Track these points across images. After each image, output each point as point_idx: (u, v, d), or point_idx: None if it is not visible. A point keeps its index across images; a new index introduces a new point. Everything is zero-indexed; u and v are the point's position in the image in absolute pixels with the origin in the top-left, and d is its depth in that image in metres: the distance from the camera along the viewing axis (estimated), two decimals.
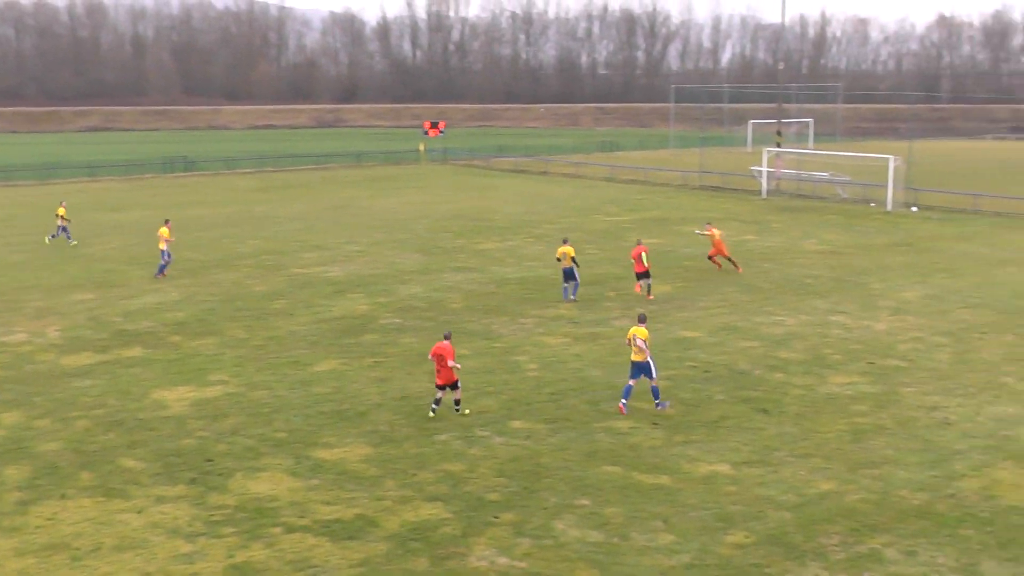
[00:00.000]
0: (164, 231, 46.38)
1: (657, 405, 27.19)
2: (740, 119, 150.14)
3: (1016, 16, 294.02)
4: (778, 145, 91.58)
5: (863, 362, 31.73)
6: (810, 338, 34.65)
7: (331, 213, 67.52)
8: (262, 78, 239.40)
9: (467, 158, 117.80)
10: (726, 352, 32.59)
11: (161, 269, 46.11)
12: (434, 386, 27.41)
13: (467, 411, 27.09)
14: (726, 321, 36.57)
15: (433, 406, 26.87)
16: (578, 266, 41.43)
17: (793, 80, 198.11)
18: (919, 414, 26.85)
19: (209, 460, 23.71)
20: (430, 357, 26.81)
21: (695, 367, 31.25)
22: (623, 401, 27.10)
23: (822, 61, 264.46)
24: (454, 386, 26.66)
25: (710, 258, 47.06)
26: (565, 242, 41.56)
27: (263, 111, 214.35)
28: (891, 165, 70.42)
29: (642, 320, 27.69)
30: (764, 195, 78.99)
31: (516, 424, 26.12)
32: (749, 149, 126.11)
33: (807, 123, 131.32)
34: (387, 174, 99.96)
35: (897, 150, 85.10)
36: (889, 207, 70.31)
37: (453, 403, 27.12)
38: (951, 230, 60.39)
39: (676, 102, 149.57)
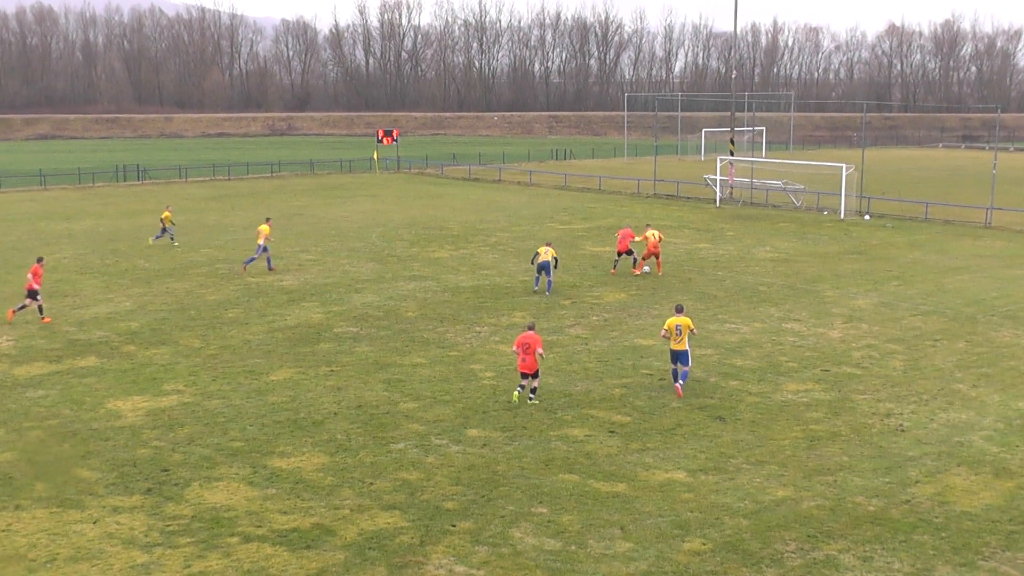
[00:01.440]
0: (265, 228, 49.36)
1: (679, 384, 29.22)
2: (693, 127, 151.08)
3: (966, 25, 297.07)
4: (731, 153, 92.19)
5: (817, 369, 32.04)
6: (764, 346, 34.93)
7: (284, 222, 67.26)
8: (214, 86, 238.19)
9: (420, 166, 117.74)
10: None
11: (250, 261, 49.46)
12: (518, 374, 28.89)
13: (537, 402, 28.44)
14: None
15: (518, 389, 28.57)
16: (556, 266, 44.17)
17: (746, 88, 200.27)
18: (873, 421, 27.11)
19: (165, 470, 23.58)
20: (515, 347, 28.50)
21: (650, 375, 31.43)
22: (678, 384, 29.18)
23: (774, 69, 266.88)
24: (535, 375, 28.24)
25: (643, 258, 48.24)
26: (548, 245, 44.06)
27: (215, 119, 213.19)
28: (844, 173, 71.15)
29: (679, 310, 29.72)
30: (718, 203, 79.54)
31: (472, 432, 26.16)
32: (702, 158, 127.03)
33: (760, 131, 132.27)
34: (340, 182, 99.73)
35: (849, 158, 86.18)
36: (842, 215, 70.99)
37: (530, 391, 28.55)
38: (903, 238, 61.06)
39: (629, 110, 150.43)
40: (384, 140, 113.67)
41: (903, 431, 26.34)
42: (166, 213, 58.18)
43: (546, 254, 43.17)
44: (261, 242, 49.14)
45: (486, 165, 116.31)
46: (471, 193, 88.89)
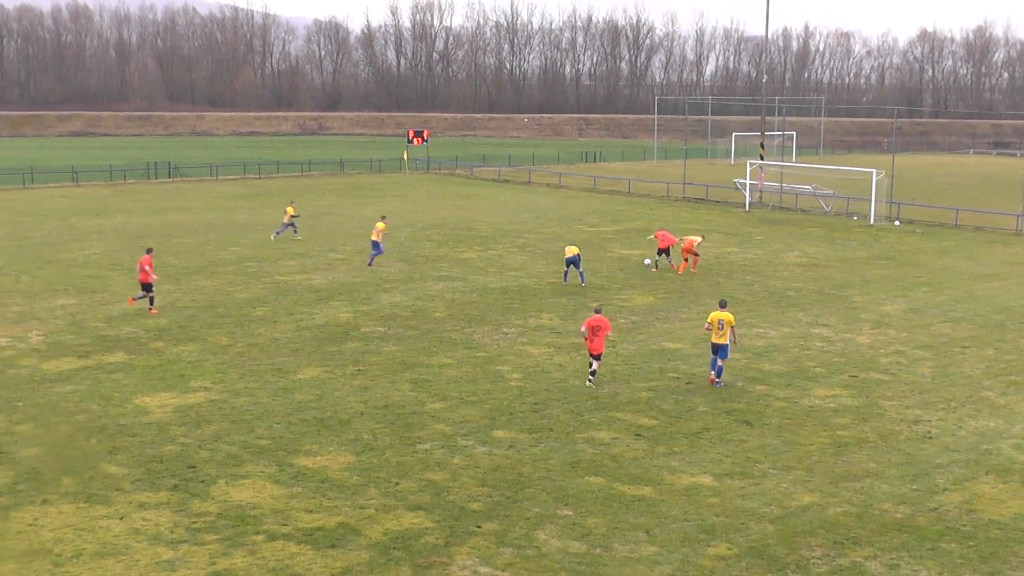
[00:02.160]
0: (381, 225, 50.73)
1: (717, 383, 30.21)
2: (723, 131, 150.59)
3: (998, 31, 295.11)
4: (761, 158, 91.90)
5: (845, 375, 31.88)
6: (792, 351, 34.78)
7: (313, 221, 67.39)
8: (246, 85, 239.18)
9: (450, 167, 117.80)
10: (707, 364, 32.56)
11: (372, 260, 50.48)
12: (588, 355, 30.52)
13: (594, 385, 30.01)
14: (708, 333, 36.35)
15: (589, 377, 30.16)
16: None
17: (776, 93, 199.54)
18: (901, 428, 26.96)
19: (191, 467, 23.63)
20: (583, 328, 30.04)
21: (677, 378, 31.34)
22: (713, 373, 30.36)
23: (805, 74, 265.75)
24: (599, 357, 29.89)
25: (684, 259, 50.13)
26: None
27: (246, 118, 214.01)
28: (874, 179, 70.75)
29: (723, 305, 30.91)
30: (747, 207, 79.20)
31: (498, 434, 26.12)
32: (732, 161, 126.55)
33: (790, 136, 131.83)
34: (370, 182, 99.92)
35: (880, 164, 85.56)
36: (871, 221, 70.60)
37: (589, 373, 30.16)
38: (932, 244, 60.70)
39: (659, 113, 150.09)
40: (414, 140, 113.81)
41: (931, 438, 26.18)
42: (290, 208, 59.75)
43: (570, 251, 45.59)
44: (376, 239, 50.33)
45: (515, 166, 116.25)
46: (500, 194, 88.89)
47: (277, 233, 59.63)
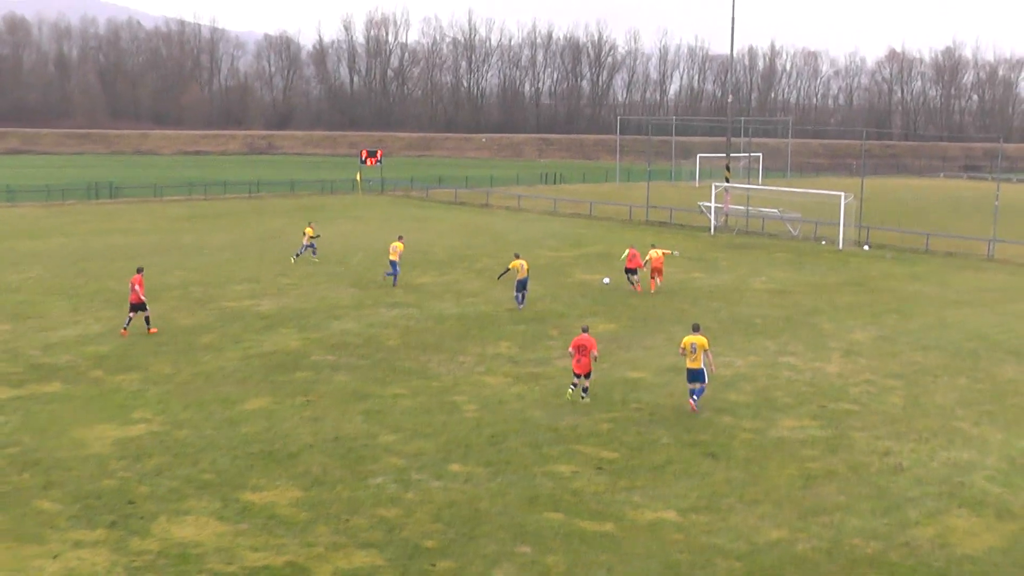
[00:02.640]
0: (399, 245, 52.00)
1: (694, 405, 30.69)
2: (688, 152, 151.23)
3: (967, 53, 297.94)
4: (727, 180, 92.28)
5: (814, 405, 31.86)
6: (759, 380, 34.75)
7: (262, 244, 66.97)
8: (192, 102, 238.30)
9: (405, 188, 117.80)
10: (672, 394, 32.60)
11: (395, 280, 51.74)
12: (572, 374, 31.92)
13: (588, 400, 31.46)
14: (673, 362, 36.32)
15: (571, 386, 31.65)
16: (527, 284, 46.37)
17: (742, 113, 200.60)
18: (871, 459, 26.92)
19: (131, 502, 23.24)
20: (570, 349, 31.53)
21: (640, 409, 31.21)
22: (692, 399, 30.74)
23: (772, 94, 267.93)
24: (588, 375, 31.30)
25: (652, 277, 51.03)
26: (517, 257, 46.84)
27: (193, 136, 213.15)
28: (843, 202, 71.19)
29: (696, 329, 31.31)
30: (712, 231, 79.51)
31: (454, 467, 25.89)
32: (697, 183, 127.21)
33: (756, 157, 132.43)
34: (322, 203, 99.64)
35: (848, 187, 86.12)
36: (840, 245, 70.98)
37: (582, 390, 31.49)
38: (902, 269, 61.08)
39: (622, 133, 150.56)
40: (368, 161, 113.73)
41: (902, 470, 26.14)
42: (308, 230, 60.53)
43: (523, 270, 45.71)
44: (395, 258, 51.45)
45: (473, 188, 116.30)
46: (457, 217, 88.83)
47: (297, 255, 59.95)
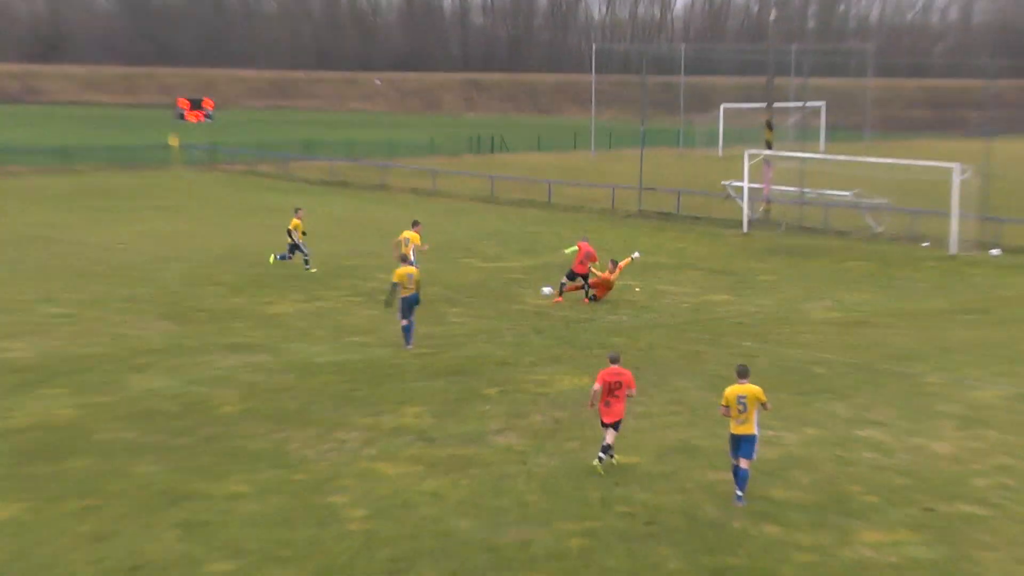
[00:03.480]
0: (414, 236, 46.42)
1: (738, 499, 24.28)
2: (705, 103, 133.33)
3: None
4: (768, 146, 77.61)
5: (914, 507, 24.56)
6: (823, 466, 26.96)
7: (14, 250, 56.06)
8: None
9: (249, 160, 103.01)
10: (682, 490, 24.99)
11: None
12: (599, 424, 26.34)
13: (614, 461, 26.18)
14: (681, 436, 28.47)
15: (600, 455, 25.74)
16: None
17: (793, 39, 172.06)
18: None
19: None
20: (596, 386, 25.78)
21: (630, 514, 23.75)
22: (738, 492, 24.20)
23: (841, 6, 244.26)
24: (616, 425, 26.12)
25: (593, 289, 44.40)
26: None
27: None
28: (955, 180, 60.29)
29: (743, 374, 24.85)
30: (745, 228, 67.54)
31: None
32: (720, 152, 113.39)
33: (816, 109, 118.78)
34: (114, 185, 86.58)
35: (965, 155, 74.68)
36: (953, 249, 59.98)
37: (602, 449, 25.93)
38: None
39: (599, 73, 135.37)
40: (190, 115, 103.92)
41: None
42: (295, 220, 52.00)
43: (411, 282, 36.10)
44: (405, 251, 43.62)
45: (361, 160, 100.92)
46: (335, 206, 76.55)
47: (306, 262, 51.44)
